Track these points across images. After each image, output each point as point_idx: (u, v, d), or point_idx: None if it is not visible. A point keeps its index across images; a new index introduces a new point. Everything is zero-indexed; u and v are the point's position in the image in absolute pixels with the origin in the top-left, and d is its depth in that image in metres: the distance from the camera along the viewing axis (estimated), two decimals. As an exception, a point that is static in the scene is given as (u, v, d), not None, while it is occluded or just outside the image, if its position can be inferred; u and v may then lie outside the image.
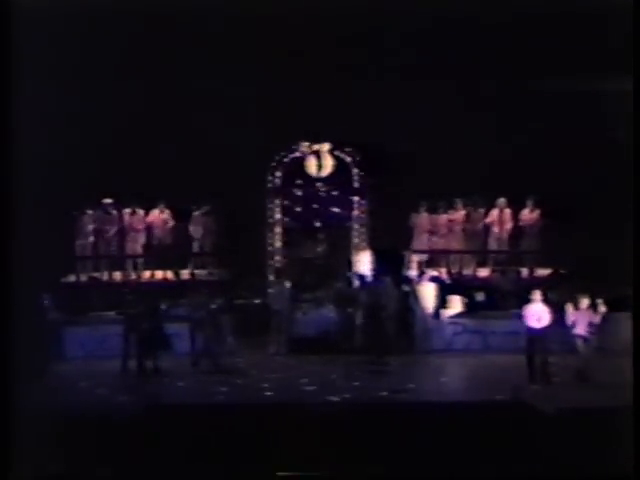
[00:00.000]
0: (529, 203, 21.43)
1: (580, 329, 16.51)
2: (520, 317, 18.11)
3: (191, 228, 22.08)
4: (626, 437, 10.23)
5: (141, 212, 21.86)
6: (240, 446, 10.82)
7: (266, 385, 16.61)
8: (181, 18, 18.24)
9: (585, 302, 16.58)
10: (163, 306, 19.87)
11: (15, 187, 10.80)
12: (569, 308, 16.73)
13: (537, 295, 16.90)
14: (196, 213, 22.02)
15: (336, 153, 22.38)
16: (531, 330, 16.79)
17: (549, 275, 21.19)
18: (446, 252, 22.13)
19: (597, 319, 16.57)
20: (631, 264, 11.32)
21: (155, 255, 22.01)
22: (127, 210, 21.81)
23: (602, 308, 16.68)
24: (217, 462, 10.60)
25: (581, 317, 16.56)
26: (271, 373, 17.80)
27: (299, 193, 22.60)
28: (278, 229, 22.53)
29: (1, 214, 10.68)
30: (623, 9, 12.42)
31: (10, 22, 10.80)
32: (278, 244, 22.53)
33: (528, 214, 21.55)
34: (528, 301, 17.11)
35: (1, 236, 10.65)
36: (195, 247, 22.17)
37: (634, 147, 11.70)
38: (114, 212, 21.76)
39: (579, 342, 16.51)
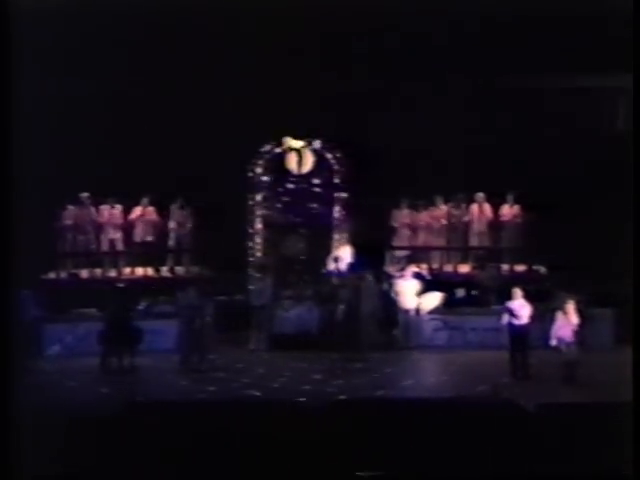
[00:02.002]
0: (509, 199, 21.49)
1: (562, 333, 16.46)
2: (500, 313, 18.23)
3: (170, 224, 22.04)
4: (619, 436, 10.24)
5: (120, 208, 21.78)
6: (225, 444, 10.80)
7: (246, 382, 16.66)
8: (172, 15, 18.15)
9: (569, 305, 16.53)
10: (139, 303, 20.00)
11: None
12: (553, 314, 16.79)
13: (518, 292, 17.01)
14: (174, 208, 21.97)
15: (317, 149, 22.36)
16: (513, 326, 16.89)
17: (529, 271, 21.27)
18: (427, 248, 22.17)
19: (579, 323, 16.53)
20: (631, 262, 11.36)
21: (136, 252, 21.96)
22: (107, 206, 21.73)
23: (583, 309, 16.79)
24: (202, 460, 10.58)
25: (563, 321, 16.50)
26: (251, 370, 17.84)
27: (280, 189, 22.57)
28: (259, 225, 22.50)
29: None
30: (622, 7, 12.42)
31: (9, 22, 10.78)
32: (259, 240, 22.50)
33: (508, 210, 21.61)
34: (509, 297, 17.20)
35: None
36: (175, 243, 22.12)
37: (634, 145, 11.69)
38: (94, 208, 21.67)
39: (562, 346, 16.45)
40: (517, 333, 16.86)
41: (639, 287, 13.22)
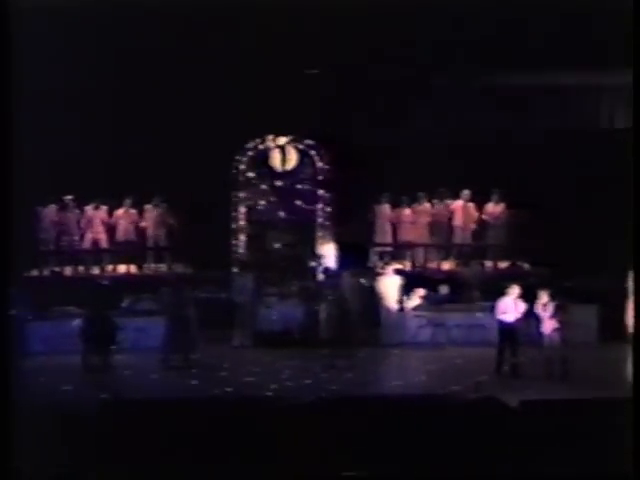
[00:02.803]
0: (494, 197, 21.54)
1: (546, 328, 16.51)
2: (484, 310, 18.28)
3: (148, 222, 22.01)
4: (604, 433, 10.24)
5: (105, 208, 21.75)
6: (208, 441, 10.79)
7: (228, 379, 16.68)
8: (157, 12, 18.04)
9: (542, 297, 16.58)
10: (122, 300, 19.96)
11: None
12: (537, 307, 16.79)
13: (513, 289, 16.91)
14: (151, 206, 21.95)
15: (300, 147, 22.37)
16: (503, 323, 16.83)
17: (513, 268, 21.32)
18: (410, 245, 22.20)
19: (561, 317, 16.49)
20: (631, 257, 11.44)
21: (120, 250, 21.91)
22: (91, 206, 21.67)
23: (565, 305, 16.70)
24: (184, 458, 10.56)
25: (547, 316, 16.53)
26: (234, 367, 17.84)
27: (264, 186, 22.57)
28: (242, 222, 22.49)
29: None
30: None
31: (9, 22, 10.78)
32: (242, 237, 22.49)
33: (493, 207, 21.66)
34: (495, 294, 17.23)
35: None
36: (158, 241, 22.09)
37: (634, 141, 11.72)
38: (77, 207, 21.60)
39: (546, 341, 16.49)
40: (509, 330, 16.80)
41: (639, 286, 13.27)
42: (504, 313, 16.90)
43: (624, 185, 19.06)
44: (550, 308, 16.51)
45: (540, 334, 16.69)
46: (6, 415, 10.22)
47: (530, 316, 17.08)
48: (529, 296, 17.28)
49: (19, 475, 10.08)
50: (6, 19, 10.77)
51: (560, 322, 16.48)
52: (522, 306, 16.88)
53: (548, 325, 16.50)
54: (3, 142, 10.76)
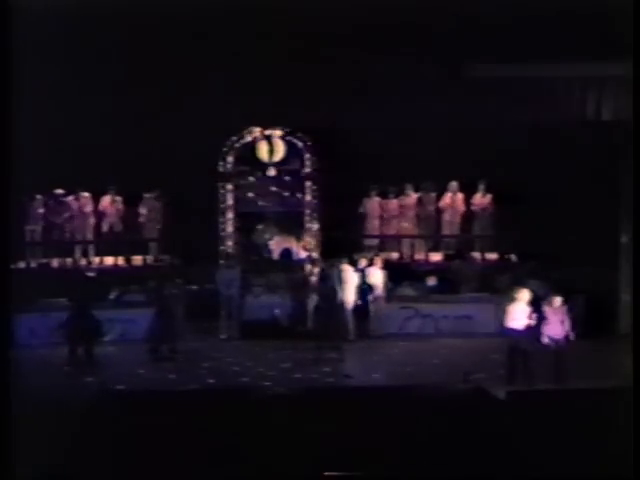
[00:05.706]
0: (481, 187, 21.54)
1: (551, 329, 15.39)
2: (472, 301, 18.21)
3: (141, 213, 22.03)
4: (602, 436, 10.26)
5: (90, 198, 21.73)
6: (196, 433, 10.81)
7: (214, 370, 16.73)
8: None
9: (555, 300, 15.49)
10: (110, 292, 19.92)
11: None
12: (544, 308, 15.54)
13: (522, 293, 15.51)
14: (146, 197, 21.96)
15: (288, 138, 22.32)
16: (514, 330, 15.36)
17: (500, 260, 21.35)
18: (398, 237, 22.22)
19: (569, 317, 15.51)
20: (631, 251, 11.48)
21: (106, 241, 21.88)
22: (77, 196, 21.63)
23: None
24: (172, 450, 10.58)
25: (552, 316, 15.40)
26: (221, 358, 17.85)
27: (251, 178, 22.55)
28: (230, 214, 22.47)
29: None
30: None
31: (11, 22, 10.77)
32: (230, 229, 22.47)
33: (480, 198, 21.66)
34: (482, 286, 17.18)
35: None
36: (146, 233, 22.10)
37: (634, 137, 11.73)
38: (64, 198, 21.56)
39: (552, 342, 15.35)
40: (519, 337, 15.34)
41: (638, 284, 13.28)
42: (514, 320, 15.36)
43: (611, 177, 19.18)
44: (561, 311, 15.46)
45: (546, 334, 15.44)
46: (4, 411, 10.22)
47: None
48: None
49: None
50: (6, 19, 10.76)
51: (570, 320, 15.47)
52: (534, 314, 15.31)
53: (556, 324, 15.38)
54: (3, 141, 10.78)
